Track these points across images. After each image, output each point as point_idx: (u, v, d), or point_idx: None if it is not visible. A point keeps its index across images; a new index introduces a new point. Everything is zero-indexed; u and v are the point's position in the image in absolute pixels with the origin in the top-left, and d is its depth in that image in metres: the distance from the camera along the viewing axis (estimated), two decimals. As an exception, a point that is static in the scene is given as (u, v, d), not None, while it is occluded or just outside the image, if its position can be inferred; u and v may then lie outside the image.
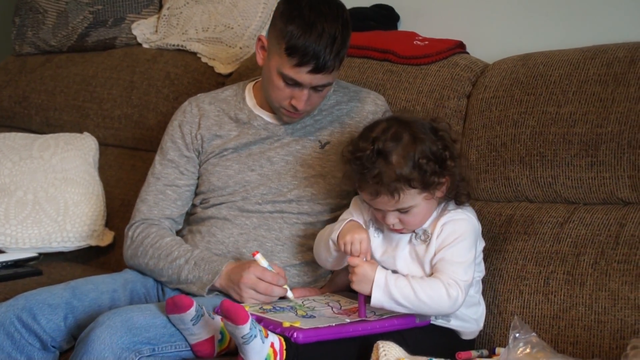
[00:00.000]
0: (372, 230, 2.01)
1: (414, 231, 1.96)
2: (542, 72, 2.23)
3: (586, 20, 2.40)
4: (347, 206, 2.21)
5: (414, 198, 1.89)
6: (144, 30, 3.10)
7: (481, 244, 2.01)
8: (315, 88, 2.09)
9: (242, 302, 1.96)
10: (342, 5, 2.11)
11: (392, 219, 1.92)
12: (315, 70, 2.04)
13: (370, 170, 1.87)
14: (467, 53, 2.52)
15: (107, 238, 2.73)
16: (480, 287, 2.03)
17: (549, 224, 2.11)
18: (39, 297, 2.00)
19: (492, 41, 2.55)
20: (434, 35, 2.57)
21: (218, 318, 1.84)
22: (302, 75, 2.04)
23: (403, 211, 1.91)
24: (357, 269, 1.88)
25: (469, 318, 1.99)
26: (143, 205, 2.24)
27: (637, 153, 2.04)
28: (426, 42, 2.51)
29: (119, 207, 2.80)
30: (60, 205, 2.70)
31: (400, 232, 1.96)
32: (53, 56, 3.22)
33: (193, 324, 1.82)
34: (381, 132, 1.90)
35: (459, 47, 2.50)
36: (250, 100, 2.26)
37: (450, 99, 2.34)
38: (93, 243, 2.71)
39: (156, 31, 3.08)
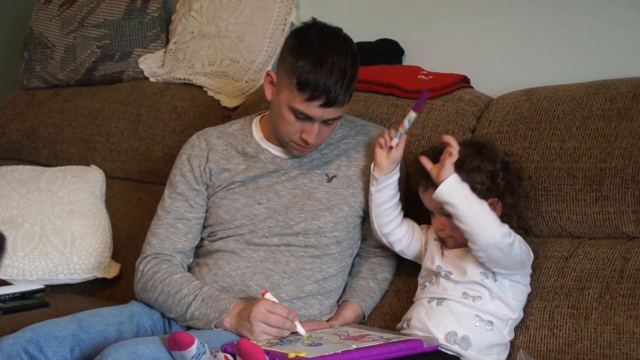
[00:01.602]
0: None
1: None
2: (546, 107, 2.24)
3: (589, 55, 2.42)
4: (353, 239, 2.24)
5: None
6: (151, 64, 3.12)
7: (528, 286, 2.06)
8: (325, 122, 2.10)
9: (254, 338, 1.96)
10: (351, 40, 2.14)
11: (438, 223, 2.05)
12: (327, 105, 2.05)
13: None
14: (472, 87, 2.53)
15: (114, 270, 2.74)
16: (513, 334, 2.04)
17: (554, 258, 2.11)
18: (45, 329, 2.00)
19: (496, 76, 2.56)
20: (439, 70, 2.59)
21: (221, 355, 1.84)
22: (314, 109, 2.06)
23: (447, 214, 2.00)
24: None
25: (492, 356, 1.99)
26: (154, 239, 2.24)
27: (641, 188, 2.05)
28: (431, 77, 2.53)
29: (125, 240, 2.80)
30: (67, 237, 2.71)
31: (446, 241, 2.06)
32: (61, 90, 3.24)
33: None
34: (458, 141, 2.06)
35: (464, 81, 2.51)
36: (257, 133, 2.27)
37: (455, 133, 2.35)
38: (99, 275, 2.71)
39: (163, 65, 3.10)
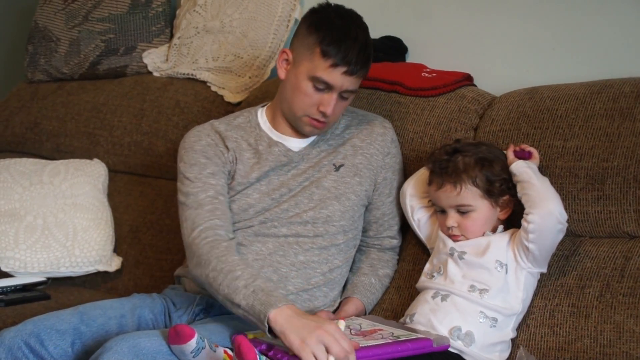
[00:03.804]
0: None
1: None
2: (548, 106, 2.25)
3: (592, 55, 2.42)
4: (357, 229, 2.27)
5: (475, 199, 2.03)
6: (155, 59, 3.13)
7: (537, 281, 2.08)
8: (341, 95, 2.13)
9: (299, 350, 1.78)
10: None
11: (452, 220, 2.05)
12: (349, 72, 2.09)
13: (443, 162, 2.07)
14: (475, 85, 2.54)
15: (116, 263, 2.74)
16: (516, 332, 2.04)
17: (555, 257, 2.11)
18: (47, 322, 2.00)
19: (499, 74, 2.57)
20: (442, 68, 2.59)
21: (220, 350, 1.84)
22: (336, 76, 2.09)
23: (462, 210, 2.03)
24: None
25: (494, 354, 2.00)
26: (201, 210, 2.09)
27: (643, 187, 2.06)
28: (434, 74, 2.53)
29: (127, 233, 2.81)
30: (69, 230, 2.72)
31: (456, 239, 2.06)
32: (65, 83, 3.25)
33: (193, 356, 1.82)
34: (465, 141, 2.15)
35: (467, 79, 2.52)
36: (265, 124, 2.27)
37: (458, 131, 2.36)
38: (101, 268, 2.72)
39: (167, 60, 3.11)
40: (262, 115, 2.29)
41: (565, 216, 2.00)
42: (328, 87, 2.11)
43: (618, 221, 2.09)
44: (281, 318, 1.82)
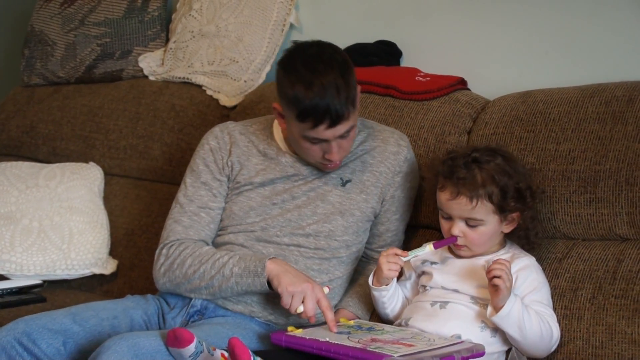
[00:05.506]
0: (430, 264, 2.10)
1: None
2: (541, 109, 2.26)
3: (585, 59, 2.43)
4: (362, 242, 2.25)
5: (487, 214, 1.99)
6: (151, 63, 3.13)
7: None
8: (341, 136, 2.09)
9: (286, 292, 1.99)
10: (335, 49, 2.11)
11: (457, 230, 2.00)
12: (333, 124, 2.04)
13: (461, 170, 2.00)
14: (468, 89, 2.55)
15: (111, 266, 2.75)
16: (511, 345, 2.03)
17: (548, 260, 2.12)
18: (39, 321, 2.01)
19: (493, 78, 2.57)
20: (436, 72, 2.60)
21: (218, 353, 1.85)
22: (323, 132, 2.05)
23: (471, 224, 1.99)
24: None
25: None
26: (178, 225, 2.21)
27: (634, 190, 2.06)
28: (428, 78, 2.54)
29: (123, 236, 2.81)
30: (65, 233, 2.72)
31: (459, 249, 2.03)
32: (61, 87, 3.25)
33: None
34: (482, 148, 2.07)
35: (460, 83, 2.53)
36: (278, 135, 2.26)
37: (452, 134, 2.37)
38: (97, 271, 2.72)
39: (162, 64, 3.11)
40: (277, 127, 2.27)
41: (552, 344, 1.97)
42: (323, 141, 2.09)
43: (610, 224, 2.10)
44: (278, 265, 2.05)
